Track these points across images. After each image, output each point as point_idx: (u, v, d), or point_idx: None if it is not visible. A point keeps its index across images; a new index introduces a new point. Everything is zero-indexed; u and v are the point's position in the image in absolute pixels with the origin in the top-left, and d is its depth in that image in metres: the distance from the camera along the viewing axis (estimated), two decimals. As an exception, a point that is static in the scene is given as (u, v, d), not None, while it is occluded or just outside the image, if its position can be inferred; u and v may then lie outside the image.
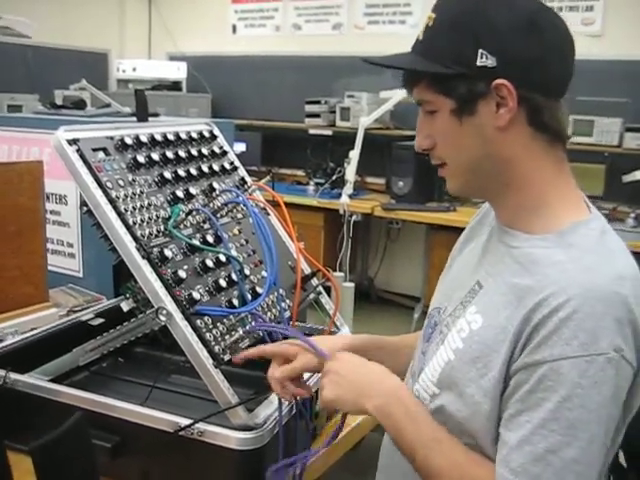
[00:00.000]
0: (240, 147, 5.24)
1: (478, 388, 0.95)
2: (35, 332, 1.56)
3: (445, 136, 1.00)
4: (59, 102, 3.41)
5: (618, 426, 0.94)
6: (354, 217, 4.76)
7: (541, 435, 0.87)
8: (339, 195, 4.84)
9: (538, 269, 0.93)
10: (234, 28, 6.44)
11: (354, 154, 4.63)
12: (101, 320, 1.63)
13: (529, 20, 0.93)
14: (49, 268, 2.04)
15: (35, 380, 1.33)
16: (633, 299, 0.90)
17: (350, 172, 4.68)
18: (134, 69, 6.12)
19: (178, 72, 6.29)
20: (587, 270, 0.90)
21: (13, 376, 1.32)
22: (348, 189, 4.73)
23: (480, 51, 0.92)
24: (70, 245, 2.52)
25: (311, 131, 5.54)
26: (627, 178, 4.36)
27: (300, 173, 5.88)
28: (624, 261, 0.95)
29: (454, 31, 0.95)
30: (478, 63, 0.92)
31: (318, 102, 5.53)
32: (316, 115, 5.52)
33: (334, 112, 5.46)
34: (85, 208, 1.26)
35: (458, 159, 1.01)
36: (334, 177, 5.25)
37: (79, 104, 2.97)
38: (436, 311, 1.14)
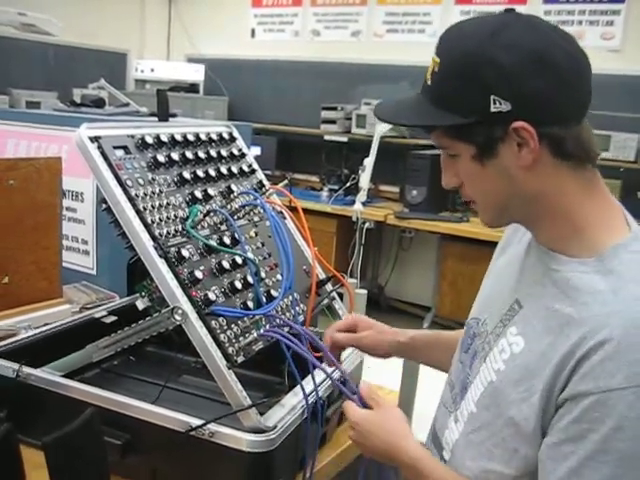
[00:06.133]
0: (255, 151, 5.26)
1: (519, 411, 0.95)
2: (48, 327, 1.56)
3: (469, 179, 1.00)
4: (77, 100, 3.42)
5: None
6: (367, 224, 4.76)
7: (591, 467, 0.86)
8: (352, 202, 4.84)
9: (578, 297, 0.93)
10: (253, 32, 6.47)
11: (369, 161, 4.63)
12: (114, 318, 1.63)
13: (537, 57, 0.90)
14: (63, 264, 2.05)
15: (48, 375, 1.33)
16: None
17: (364, 179, 4.68)
18: (152, 70, 6.16)
19: (196, 74, 6.32)
20: (629, 301, 0.89)
21: (26, 370, 1.32)
22: (362, 196, 4.73)
23: (492, 97, 0.90)
24: (85, 242, 2.53)
25: (326, 137, 5.55)
26: (643, 194, 4.34)
27: (314, 179, 5.89)
28: None
29: (461, 78, 0.92)
30: (492, 109, 0.90)
31: (334, 108, 5.54)
32: (332, 121, 5.53)
33: (350, 119, 5.47)
34: (104, 205, 1.27)
35: (486, 199, 1.01)
36: (348, 184, 5.26)
37: (98, 102, 2.99)
38: (475, 321, 1.14)
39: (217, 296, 1.25)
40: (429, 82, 0.97)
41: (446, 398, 1.16)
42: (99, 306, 1.78)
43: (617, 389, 0.85)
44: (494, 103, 0.90)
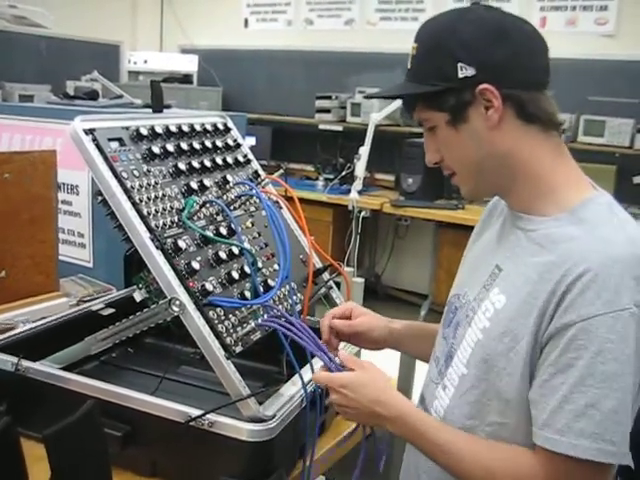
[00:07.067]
0: (250, 141, 5.25)
1: (508, 361, 1.02)
2: (46, 321, 1.56)
3: (447, 146, 1.10)
4: (71, 93, 3.41)
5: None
6: (363, 213, 4.76)
7: (579, 392, 0.94)
8: (348, 191, 4.84)
9: (557, 246, 1.01)
10: (246, 22, 6.43)
11: (364, 150, 4.63)
12: (111, 310, 1.63)
13: (495, 29, 1.04)
14: (60, 258, 2.05)
15: (47, 368, 1.33)
16: None
17: (360, 168, 4.68)
18: (145, 61, 6.13)
19: (189, 65, 6.30)
20: (603, 240, 0.98)
21: (25, 364, 1.32)
22: (357, 185, 4.73)
23: (459, 64, 1.03)
24: (81, 235, 2.53)
25: (321, 126, 5.53)
26: (638, 179, 4.35)
27: (309, 168, 5.87)
28: (634, 228, 1.03)
29: (433, 53, 1.07)
30: (460, 75, 1.03)
31: (329, 97, 5.53)
32: (327, 110, 5.52)
33: (345, 108, 5.46)
34: (100, 198, 1.27)
35: (463, 164, 1.11)
36: (343, 173, 5.25)
37: (92, 95, 2.98)
38: (455, 297, 1.21)
39: (214, 287, 1.25)
40: (409, 67, 1.11)
41: (432, 373, 1.22)
42: (96, 299, 1.78)
43: (597, 315, 0.93)
44: (461, 70, 1.03)
